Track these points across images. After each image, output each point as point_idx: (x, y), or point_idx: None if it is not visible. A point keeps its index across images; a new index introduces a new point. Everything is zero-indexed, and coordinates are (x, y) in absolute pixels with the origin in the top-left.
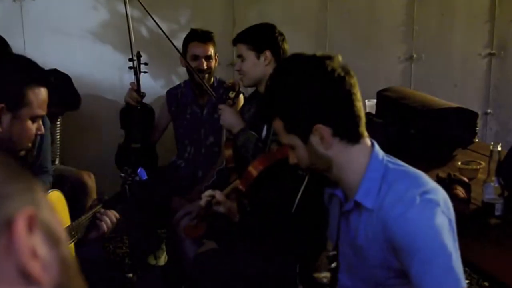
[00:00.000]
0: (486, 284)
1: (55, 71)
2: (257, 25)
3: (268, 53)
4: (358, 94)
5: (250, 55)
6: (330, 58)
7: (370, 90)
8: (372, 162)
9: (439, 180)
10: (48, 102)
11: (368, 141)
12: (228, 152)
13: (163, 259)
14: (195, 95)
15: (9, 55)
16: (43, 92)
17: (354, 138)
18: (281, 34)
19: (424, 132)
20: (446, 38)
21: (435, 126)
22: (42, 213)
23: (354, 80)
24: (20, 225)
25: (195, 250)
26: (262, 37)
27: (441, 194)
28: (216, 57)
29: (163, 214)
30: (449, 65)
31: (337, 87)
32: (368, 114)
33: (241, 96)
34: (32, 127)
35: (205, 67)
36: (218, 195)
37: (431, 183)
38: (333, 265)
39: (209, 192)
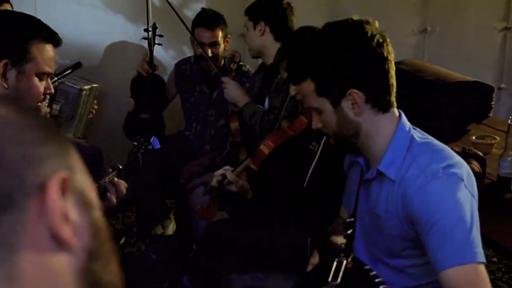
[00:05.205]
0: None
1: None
2: None
3: (262, 24)
4: (393, 62)
5: (249, 26)
6: (368, 22)
7: None
8: (398, 133)
9: None
10: None
11: (396, 111)
12: (234, 126)
13: (171, 229)
14: (205, 74)
15: (13, 12)
16: (48, 49)
17: (385, 106)
18: (287, 6)
19: (438, 106)
20: (460, 11)
21: (450, 100)
22: (75, 178)
23: (391, 47)
24: (53, 189)
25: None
26: (258, 8)
27: (465, 169)
28: (227, 39)
29: (172, 184)
30: (463, 39)
31: (376, 53)
32: None
33: None
34: (39, 84)
35: (210, 54)
36: (229, 175)
37: (456, 158)
38: (349, 231)
39: (220, 171)
